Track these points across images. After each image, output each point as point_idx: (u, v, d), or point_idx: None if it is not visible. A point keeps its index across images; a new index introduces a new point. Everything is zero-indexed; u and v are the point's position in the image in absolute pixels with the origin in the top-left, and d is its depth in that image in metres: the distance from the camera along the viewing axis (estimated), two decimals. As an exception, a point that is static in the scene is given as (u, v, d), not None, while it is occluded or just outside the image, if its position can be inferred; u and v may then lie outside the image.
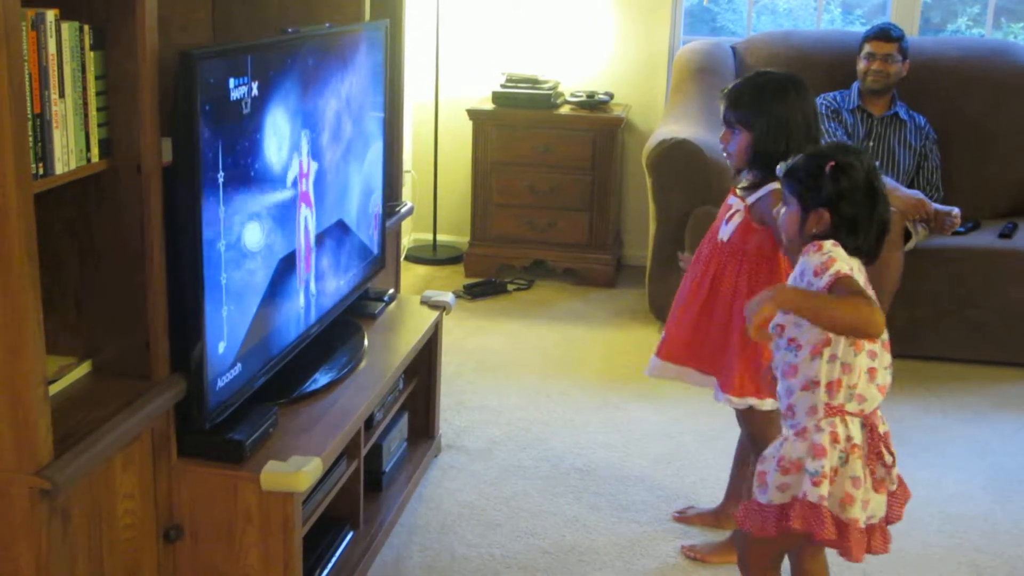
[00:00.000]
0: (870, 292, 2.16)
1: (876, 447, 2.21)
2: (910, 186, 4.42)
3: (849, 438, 2.19)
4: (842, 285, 2.12)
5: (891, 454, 2.23)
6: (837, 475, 2.18)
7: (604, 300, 5.06)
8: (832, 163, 2.21)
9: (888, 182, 3.91)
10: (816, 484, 2.16)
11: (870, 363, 2.21)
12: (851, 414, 2.20)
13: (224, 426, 2.34)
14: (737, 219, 2.79)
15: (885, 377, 2.24)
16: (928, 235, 4.28)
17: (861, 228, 2.20)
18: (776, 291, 2.15)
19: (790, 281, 2.28)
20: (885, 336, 2.20)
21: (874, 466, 2.21)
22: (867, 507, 2.21)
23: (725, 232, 2.82)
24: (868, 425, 2.22)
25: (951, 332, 4.36)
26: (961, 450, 3.69)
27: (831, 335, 2.17)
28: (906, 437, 3.64)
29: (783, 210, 2.33)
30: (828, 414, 2.20)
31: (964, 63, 4.85)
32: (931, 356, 4.38)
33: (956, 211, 4.15)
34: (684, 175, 4.38)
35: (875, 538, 2.27)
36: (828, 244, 2.18)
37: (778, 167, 2.34)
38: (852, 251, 2.20)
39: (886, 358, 2.25)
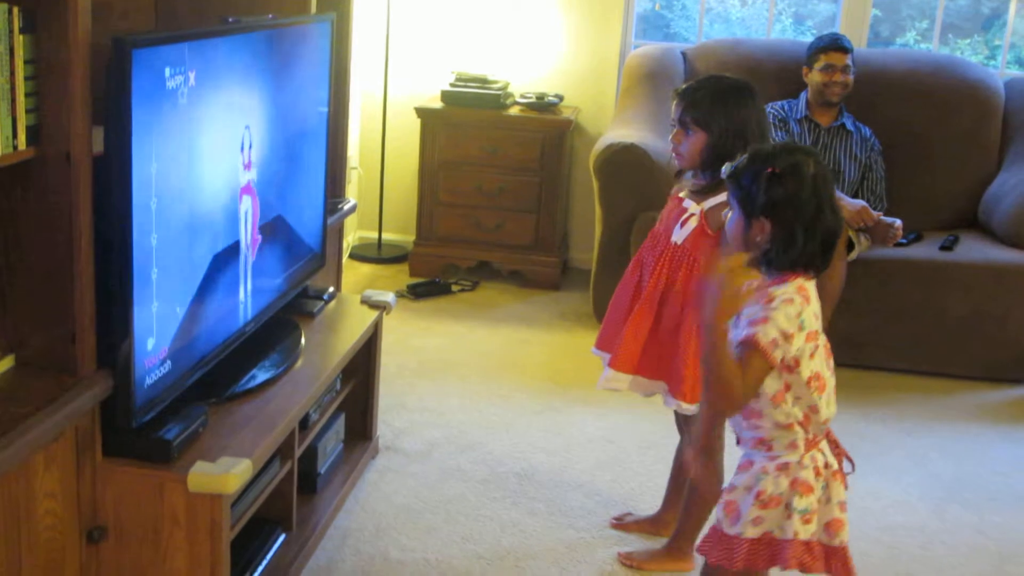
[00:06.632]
0: (816, 323, 2.09)
1: (841, 459, 2.17)
2: (854, 197, 4.44)
3: (828, 465, 2.13)
4: (747, 356, 2.02)
5: (851, 461, 2.19)
6: (820, 504, 2.12)
7: (548, 303, 5.03)
8: (771, 169, 2.04)
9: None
10: (807, 522, 2.09)
11: (826, 391, 2.14)
12: (820, 439, 2.15)
13: (152, 425, 2.28)
14: (692, 223, 2.75)
15: (832, 382, 2.17)
16: (871, 246, 4.30)
17: (797, 240, 2.04)
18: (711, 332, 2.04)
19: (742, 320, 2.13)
20: (824, 339, 2.14)
21: (845, 482, 2.16)
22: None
23: (679, 235, 2.77)
24: (831, 441, 2.18)
25: (891, 342, 4.39)
26: (899, 460, 3.70)
27: (786, 390, 2.09)
28: (845, 446, 3.59)
29: (730, 214, 2.18)
30: (808, 448, 2.12)
31: (911, 76, 4.88)
32: (871, 366, 4.41)
33: (898, 223, 4.18)
34: (631, 179, 4.37)
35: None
36: (779, 294, 2.04)
37: (723, 168, 2.21)
38: (788, 266, 2.06)
39: (830, 364, 2.18)
